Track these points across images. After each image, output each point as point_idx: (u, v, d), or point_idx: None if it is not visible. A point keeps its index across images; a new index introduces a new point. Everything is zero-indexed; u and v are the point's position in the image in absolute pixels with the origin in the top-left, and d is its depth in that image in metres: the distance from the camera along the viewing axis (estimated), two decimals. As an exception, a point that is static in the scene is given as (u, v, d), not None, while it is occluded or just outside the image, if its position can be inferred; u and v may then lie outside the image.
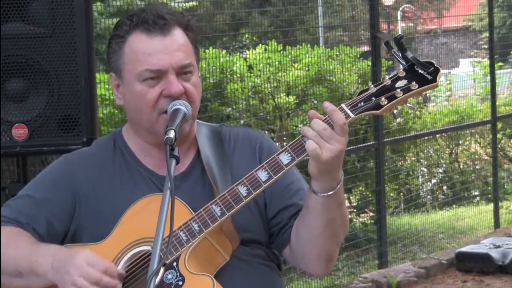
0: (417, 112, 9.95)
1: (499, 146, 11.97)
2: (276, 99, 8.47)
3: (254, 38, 9.50)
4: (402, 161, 10.74)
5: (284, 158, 2.70)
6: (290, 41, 9.16)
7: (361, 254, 9.04)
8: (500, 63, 12.39)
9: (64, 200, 2.89)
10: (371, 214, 9.66)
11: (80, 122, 4.02)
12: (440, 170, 11.74)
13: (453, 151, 11.83)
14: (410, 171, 11.04)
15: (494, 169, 10.95)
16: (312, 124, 2.64)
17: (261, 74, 8.42)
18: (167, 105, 2.78)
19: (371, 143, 8.90)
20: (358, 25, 9.73)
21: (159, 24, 2.81)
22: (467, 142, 12.01)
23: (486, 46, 12.17)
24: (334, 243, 2.85)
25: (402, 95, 2.68)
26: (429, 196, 11.53)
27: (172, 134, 2.61)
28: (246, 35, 9.98)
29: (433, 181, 11.71)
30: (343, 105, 2.68)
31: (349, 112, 2.67)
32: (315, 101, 8.81)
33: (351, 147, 8.43)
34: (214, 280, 2.68)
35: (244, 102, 8.29)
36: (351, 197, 9.47)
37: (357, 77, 9.07)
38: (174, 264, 2.70)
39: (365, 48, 9.64)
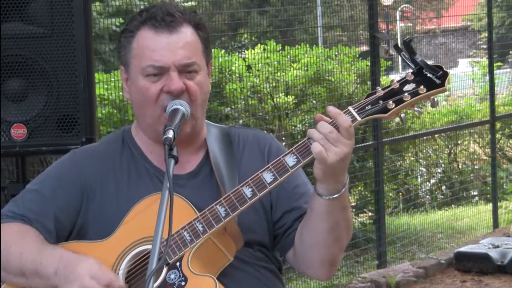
0: (416, 113, 9.93)
1: (498, 146, 11.98)
2: (275, 99, 8.47)
3: (253, 38, 9.51)
4: (401, 161, 10.74)
5: (290, 160, 2.69)
6: (289, 41, 9.16)
7: (360, 254, 9.04)
8: (499, 63, 12.40)
9: (72, 196, 2.90)
10: (370, 214, 9.66)
11: (79, 122, 4.02)
12: (439, 170, 11.74)
13: (452, 151, 11.83)
14: (409, 171, 11.04)
15: (493, 169, 10.96)
16: (318, 126, 2.63)
17: (260, 74, 8.42)
18: (168, 101, 2.80)
19: (370, 143, 8.91)
20: (357, 25, 9.73)
21: (166, 21, 2.82)
22: (466, 142, 12.01)
23: (485, 46, 12.18)
24: (338, 247, 2.84)
25: (410, 99, 2.67)
26: (428, 196, 11.53)
27: (170, 134, 2.62)
28: (245, 35, 9.99)
29: (432, 181, 11.71)
30: (350, 108, 2.68)
31: (356, 115, 2.67)
32: (314, 101, 8.81)
33: (350, 147, 8.40)
34: (217, 281, 2.68)
35: (243, 102, 8.29)
36: (349, 197, 9.45)
37: (356, 77, 9.07)
38: (177, 264, 2.70)
39: (364, 48, 9.64)
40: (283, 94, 8.54)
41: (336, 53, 9.05)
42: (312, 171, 2.66)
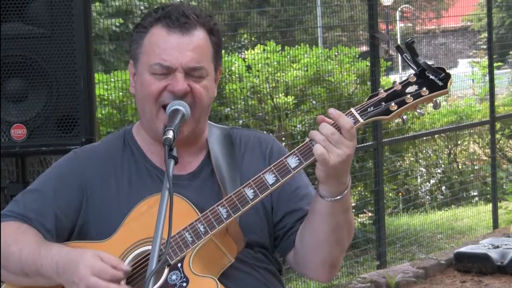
0: (415, 113, 9.93)
1: (497, 146, 11.98)
2: (274, 99, 8.47)
3: (253, 38, 9.50)
4: (401, 162, 10.75)
5: (292, 162, 2.69)
6: (288, 41, 9.16)
7: (360, 255, 9.04)
8: (499, 63, 12.39)
9: (72, 195, 2.90)
10: (370, 214, 9.66)
11: (79, 122, 4.02)
12: (439, 171, 11.74)
13: (452, 152, 11.83)
14: (409, 172, 11.04)
15: (492, 169, 10.96)
16: (320, 128, 2.63)
17: (259, 74, 8.42)
18: (169, 100, 2.80)
19: (370, 143, 8.91)
20: (357, 25, 9.72)
21: (180, 21, 2.82)
22: (466, 143, 12.01)
23: (485, 47, 12.17)
24: (339, 249, 2.84)
25: (412, 101, 2.67)
26: (427, 197, 11.53)
27: (170, 134, 2.62)
28: (245, 35, 9.98)
29: (432, 181, 11.71)
30: (352, 110, 2.68)
31: (358, 116, 2.66)
32: (314, 101, 8.81)
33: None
34: (218, 282, 2.68)
35: (243, 102, 8.29)
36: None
37: (355, 77, 9.07)
38: (179, 265, 2.70)
39: (364, 48, 9.64)
40: (283, 94, 8.54)
41: (336, 53, 9.04)
42: (314, 173, 2.66)
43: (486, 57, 11.34)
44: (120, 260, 2.72)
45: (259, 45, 8.55)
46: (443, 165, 11.74)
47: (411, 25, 12.44)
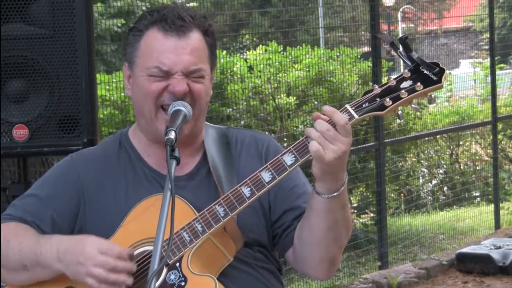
0: (418, 113, 9.95)
1: (499, 147, 11.97)
2: (276, 100, 8.47)
3: (255, 38, 9.50)
4: (403, 162, 10.74)
5: (288, 159, 2.70)
6: (290, 42, 9.16)
7: (361, 255, 9.04)
8: (501, 64, 12.39)
9: (69, 199, 2.90)
10: (372, 215, 9.66)
11: (81, 123, 4.02)
12: (441, 171, 11.74)
13: (454, 152, 11.82)
14: (411, 172, 11.03)
15: (494, 170, 10.95)
16: (315, 125, 2.64)
17: (261, 75, 8.42)
18: (169, 100, 2.80)
19: (372, 144, 8.90)
20: (359, 26, 9.72)
21: (176, 24, 2.82)
22: (468, 143, 12.00)
23: (486, 47, 12.17)
24: (337, 246, 2.84)
25: (407, 95, 2.67)
26: (429, 197, 11.53)
27: (172, 135, 2.62)
28: (247, 36, 9.98)
29: (434, 181, 11.71)
30: (347, 106, 2.68)
31: (353, 112, 2.67)
32: (316, 102, 8.81)
33: (352, 148, 8.38)
34: (217, 281, 2.68)
35: (245, 103, 8.29)
36: (351, 198, 9.46)
37: (357, 78, 9.07)
38: (177, 264, 2.71)
39: (366, 49, 9.63)
40: (285, 95, 8.54)
41: (338, 54, 9.05)
42: (310, 173, 2.66)
43: (488, 57, 11.34)
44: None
45: (261, 45, 8.55)
46: (445, 166, 11.74)
47: (413, 25, 12.44)
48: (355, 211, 9.55)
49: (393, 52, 8.99)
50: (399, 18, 12.21)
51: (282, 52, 8.57)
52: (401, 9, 12.34)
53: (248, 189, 2.70)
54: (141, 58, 2.86)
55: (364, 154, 9.37)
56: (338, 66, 8.93)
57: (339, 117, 2.63)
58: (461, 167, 11.90)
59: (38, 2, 3.98)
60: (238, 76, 8.25)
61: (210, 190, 2.88)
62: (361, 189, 9.61)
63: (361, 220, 9.58)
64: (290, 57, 8.68)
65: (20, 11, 3.97)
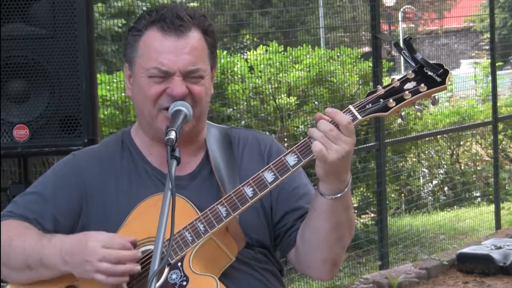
0: (418, 113, 9.95)
1: (500, 147, 11.97)
2: (277, 100, 8.47)
3: (255, 39, 9.50)
4: (403, 162, 10.74)
5: (291, 159, 2.69)
6: (291, 42, 9.16)
7: (362, 255, 9.04)
8: (501, 64, 12.39)
9: (71, 197, 2.90)
10: (372, 215, 9.66)
11: (81, 123, 4.02)
12: (441, 171, 11.73)
13: (454, 152, 11.82)
14: (411, 172, 11.03)
15: (495, 170, 10.95)
16: (318, 125, 2.63)
17: (262, 75, 8.42)
18: (168, 103, 2.80)
19: (372, 144, 8.90)
20: (359, 26, 9.72)
21: (175, 24, 2.82)
22: (468, 143, 12.00)
23: (487, 47, 12.17)
24: (340, 247, 2.84)
25: (411, 97, 2.67)
26: (430, 197, 11.53)
27: (173, 135, 2.62)
28: (247, 36, 9.98)
29: (434, 182, 11.71)
30: (350, 107, 2.68)
31: (356, 113, 2.67)
32: (316, 102, 8.81)
33: (352, 148, 8.40)
34: (218, 281, 2.68)
35: (245, 103, 8.29)
36: (352, 198, 9.45)
37: (358, 78, 9.07)
38: (179, 264, 2.71)
39: (366, 49, 9.63)
40: (285, 95, 8.54)
41: (338, 54, 9.04)
42: (314, 173, 2.66)
43: (489, 57, 11.34)
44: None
45: (261, 45, 8.55)
46: (445, 166, 11.73)
47: (413, 25, 12.43)
48: (356, 211, 9.55)
49: (393, 52, 9.00)
50: (400, 18, 12.20)
51: (282, 52, 8.57)
52: (401, 9, 12.34)
53: (251, 189, 2.70)
54: (140, 58, 2.86)
55: (365, 154, 9.37)
56: (339, 66, 8.93)
57: (342, 117, 2.63)
58: (462, 167, 11.90)
59: (39, 2, 3.98)
60: (239, 76, 8.24)
61: (212, 190, 2.87)
62: (361, 189, 9.61)
63: (361, 220, 9.57)
64: (290, 57, 8.67)
65: (20, 11, 3.97)
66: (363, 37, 9.75)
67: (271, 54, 8.46)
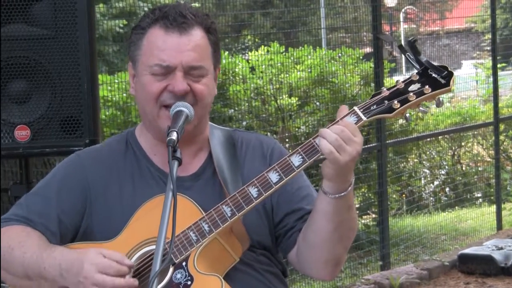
0: (420, 114, 9.93)
1: (501, 147, 11.96)
2: (278, 101, 8.47)
3: (257, 39, 9.49)
4: (405, 163, 10.73)
5: (296, 160, 2.70)
6: (292, 43, 9.15)
7: (363, 256, 9.03)
8: (503, 65, 12.39)
9: (75, 198, 2.90)
10: (374, 215, 9.66)
11: (83, 124, 4.02)
12: (443, 172, 11.73)
13: (456, 153, 11.81)
14: (413, 173, 11.03)
15: (496, 170, 10.94)
16: (330, 129, 2.64)
17: (263, 76, 8.42)
18: (169, 100, 2.81)
19: (374, 144, 8.90)
20: (361, 26, 9.72)
21: (178, 21, 2.83)
22: (470, 144, 11.99)
23: (488, 48, 12.17)
24: (342, 247, 2.85)
25: (415, 98, 2.69)
26: (431, 198, 11.52)
27: (174, 136, 2.62)
28: (248, 37, 9.97)
29: (436, 182, 11.70)
30: (355, 108, 2.69)
31: (361, 115, 2.68)
32: (318, 103, 8.80)
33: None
34: (223, 280, 2.69)
35: (247, 104, 8.29)
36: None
37: (359, 79, 9.07)
38: (184, 263, 2.71)
39: (368, 49, 9.63)
40: (287, 95, 8.54)
41: (340, 54, 9.04)
42: (314, 174, 2.66)
43: (490, 58, 11.34)
44: (123, 255, 2.72)
45: (262, 46, 8.55)
46: (446, 167, 11.73)
47: (415, 26, 12.44)
48: (357, 212, 9.53)
49: (395, 53, 9.00)
50: (401, 19, 12.19)
51: (284, 53, 8.57)
52: (403, 10, 12.33)
53: (256, 189, 2.71)
54: (143, 56, 2.87)
55: (366, 155, 9.36)
56: (340, 67, 8.92)
57: (347, 121, 2.66)
58: (463, 168, 11.89)
59: (40, 3, 3.98)
60: (240, 77, 8.24)
61: (215, 191, 2.88)
62: (363, 190, 9.61)
63: (363, 221, 9.57)
64: (292, 58, 8.67)
65: (22, 12, 3.97)
66: (365, 38, 9.75)
67: (273, 55, 8.46)
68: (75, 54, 4.01)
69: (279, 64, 8.49)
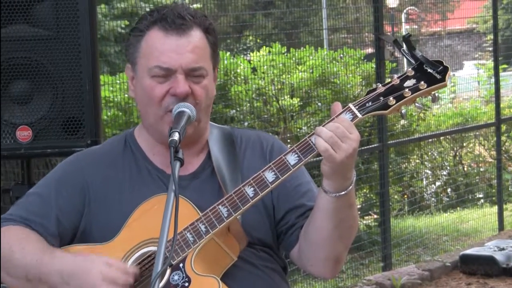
0: (421, 115, 9.94)
1: (503, 148, 11.96)
2: (280, 101, 8.47)
3: (258, 40, 9.50)
4: (406, 164, 10.73)
5: (291, 159, 2.70)
6: (294, 43, 9.15)
7: (365, 257, 9.03)
8: (505, 65, 12.38)
9: (74, 198, 2.90)
10: (375, 216, 9.66)
11: (84, 124, 4.02)
12: (444, 173, 11.72)
13: (457, 154, 11.81)
14: (414, 174, 11.03)
15: (498, 171, 10.94)
16: (325, 126, 2.63)
17: (265, 76, 8.42)
18: (173, 104, 2.80)
19: (375, 145, 8.90)
20: (362, 27, 9.72)
21: (177, 23, 2.82)
22: (471, 145, 11.99)
23: (490, 48, 12.16)
24: (343, 245, 2.84)
25: (411, 94, 2.67)
26: (433, 199, 11.52)
27: (176, 136, 2.62)
28: (250, 37, 9.99)
29: (437, 183, 11.70)
30: (350, 105, 2.68)
31: (356, 112, 2.68)
32: (319, 103, 8.80)
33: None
34: (220, 281, 2.68)
35: (248, 104, 8.29)
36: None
37: (361, 79, 9.07)
38: (181, 265, 2.71)
39: (369, 50, 9.63)
40: (288, 96, 8.54)
41: (341, 55, 9.04)
42: (316, 174, 2.67)
43: (492, 59, 11.33)
44: (127, 264, 2.72)
45: (264, 47, 8.55)
46: (448, 167, 11.73)
47: (416, 27, 12.43)
48: (359, 212, 9.53)
49: (397, 53, 8.99)
50: (403, 20, 12.19)
51: (285, 54, 8.57)
52: (404, 11, 12.33)
53: (252, 189, 2.71)
54: (142, 58, 2.87)
55: (368, 156, 9.36)
56: (342, 68, 8.92)
57: (343, 118, 2.64)
58: (465, 169, 11.89)
59: (42, 4, 3.98)
60: (242, 77, 8.24)
61: (214, 190, 2.88)
62: (364, 190, 9.61)
63: (364, 222, 9.57)
64: (293, 58, 8.67)
65: (23, 12, 3.97)
66: (366, 39, 9.76)
67: (274, 55, 8.46)
68: (76, 55, 4.01)
69: (280, 65, 8.49)
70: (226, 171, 2.90)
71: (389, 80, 2.72)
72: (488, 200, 11.76)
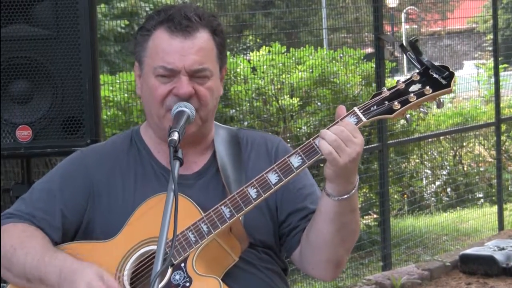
0: (421, 114, 9.93)
1: (503, 148, 11.96)
2: (279, 101, 8.47)
3: (258, 40, 9.50)
4: (406, 163, 10.73)
5: (295, 161, 2.70)
6: (293, 43, 9.15)
7: (364, 256, 9.03)
8: (505, 65, 12.38)
9: (78, 194, 2.91)
10: (375, 216, 9.66)
11: (84, 124, 4.02)
12: (444, 172, 11.72)
13: (457, 153, 11.81)
14: (414, 173, 11.03)
15: (498, 171, 10.94)
16: (330, 129, 2.64)
17: (264, 76, 8.42)
18: (175, 103, 2.80)
19: (375, 145, 8.90)
20: (362, 27, 9.72)
21: (182, 25, 2.83)
22: (471, 144, 11.99)
23: (490, 48, 12.16)
24: (344, 248, 2.85)
25: (416, 99, 2.67)
26: (433, 198, 11.52)
27: (175, 136, 2.63)
28: (250, 37, 9.98)
29: (437, 183, 11.70)
30: (355, 109, 2.68)
31: (361, 116, 2.68)
32: (319, 103, 8.80)
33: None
34: (221, 282, 2.68)
35: (248, 104, 8.29)
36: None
37: (360, 79, 9.07)
38: (182, 265, 2.71)
39: (369, 50, 9.63)
40: (288, 96, 8.54)
41: (341, 55, 9.04)
42: (318, 175, 2.67)
43: (492, 58, 11.33)
44: (116, 283, 2.70)
45: (264, 46, 8.55)
46: (448, 167, 11.72)
47: (416, 26, 12.43)
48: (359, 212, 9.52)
49: (396, 53, 8.99)
50: (403, 19, 12.19)
51: (285, 53, 8.57)
52: (404, 10, 12.33)
53: (255, 190, 2.71)
54: (148, 58, 2.88)
55: (368, 155, 9.36)
56: (342, 67, 8.92)
57: (347, 121, 2.65)
58: (465, 168, 11.89)
59: (42, 3, 3.98)
60: (242, 77, 8.25)
61: (218, 190, 2.89)
62: (364, 190, 9.60)
63: (364, 222, 9.57)
64: (293, 58, 8.67)
65: (23, 12, 3.97)
66: (366, 38, 9.75)
67: (274, 55, 8.46)
68: (76, 54, 4.01)
69: (280, 65, 8.49)
70: (230, 172, 2.91)
71: (395, 84, 2.72)
72: (488, 200, 11.76)
